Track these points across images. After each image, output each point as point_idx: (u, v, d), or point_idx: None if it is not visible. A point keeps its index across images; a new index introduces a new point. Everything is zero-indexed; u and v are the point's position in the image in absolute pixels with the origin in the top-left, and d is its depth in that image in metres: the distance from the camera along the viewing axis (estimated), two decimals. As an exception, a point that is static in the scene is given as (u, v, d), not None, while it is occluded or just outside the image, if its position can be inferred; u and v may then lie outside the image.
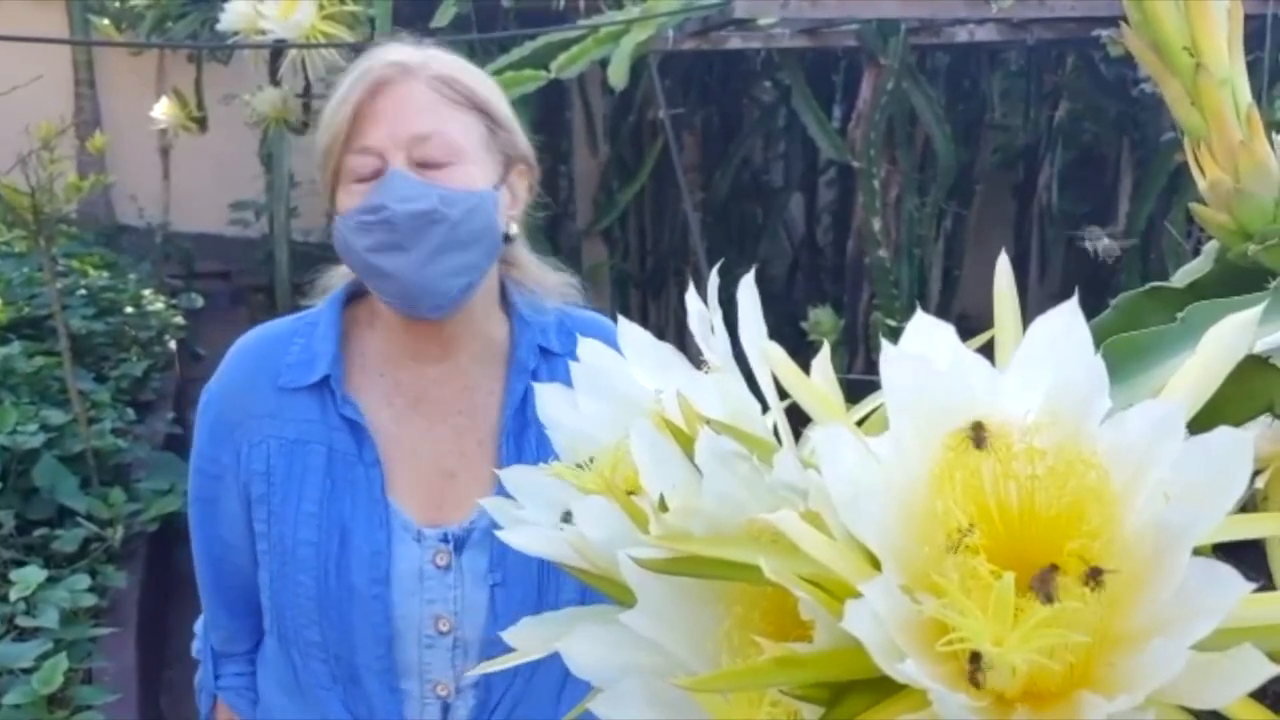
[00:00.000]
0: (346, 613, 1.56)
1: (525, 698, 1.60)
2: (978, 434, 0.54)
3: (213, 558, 1.71)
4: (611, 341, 0.74)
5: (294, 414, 1.61)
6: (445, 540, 1.58)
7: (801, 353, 0.69)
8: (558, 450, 0.73)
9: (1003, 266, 0.64)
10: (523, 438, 1.60)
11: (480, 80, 1.63)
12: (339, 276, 1.71)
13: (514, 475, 0.72)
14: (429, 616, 1.57)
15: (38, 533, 3.94)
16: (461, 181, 1.54)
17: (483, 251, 1.57)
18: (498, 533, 0.71)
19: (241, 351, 1.67)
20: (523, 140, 1.64)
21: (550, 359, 1.62)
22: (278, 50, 4.13)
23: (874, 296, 4.21)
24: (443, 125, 1.54)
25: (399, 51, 1.60)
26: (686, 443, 0.64)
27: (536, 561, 1.51)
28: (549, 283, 1.71)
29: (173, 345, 6.35)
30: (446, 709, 1.60)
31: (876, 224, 4.08)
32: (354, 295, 1.68)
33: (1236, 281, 0.77)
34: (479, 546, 1.58)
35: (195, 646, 1.82)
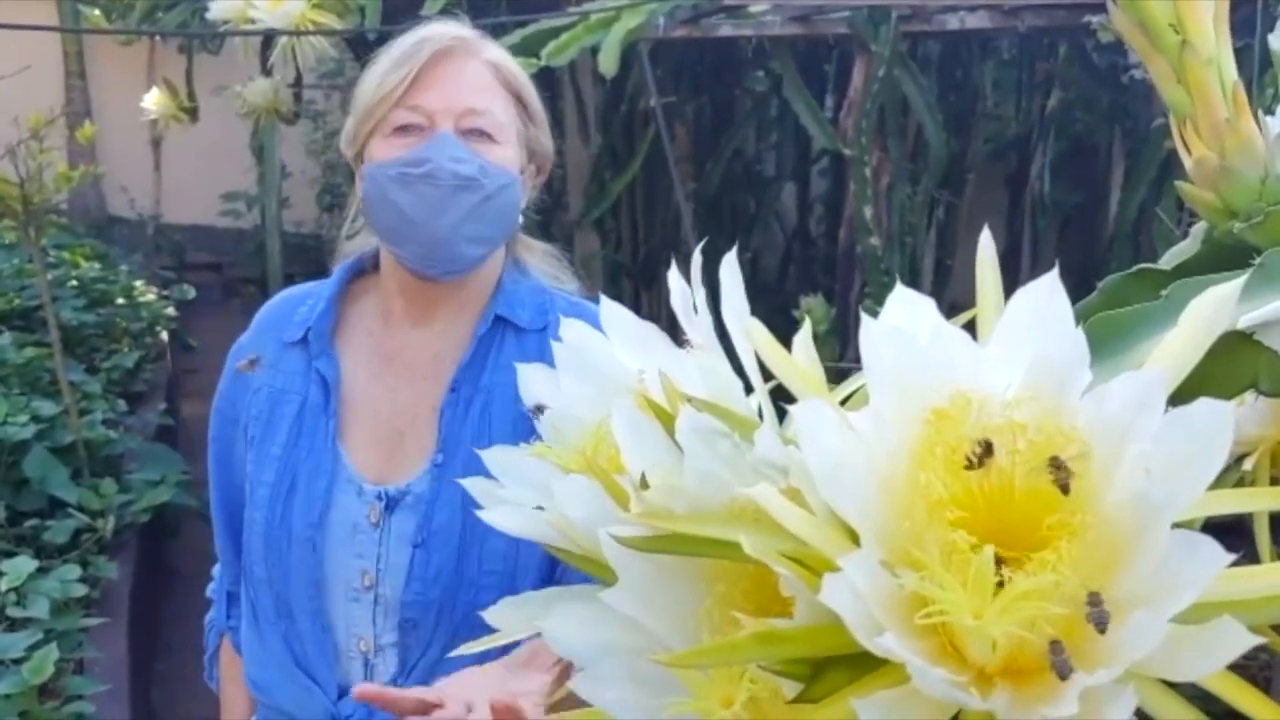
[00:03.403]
0: (285, 553, 1.64)
1: (442, 667, 1.59)
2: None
3: (224, 497, 1.80)
4: (595, 324, 0.74)
5: (285, 366, 1.71)
6: (380, 498, 1.63)
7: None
8: (539, 430, 0.73)
9: (985, 243, 0.64)
10: (471, 403, 1.63)
11: (523, 74, 1.70)
12: (357, 245, 1.78)
13: (495, 455, 0.72)
14: (355, 570, 1.63)
15: (28, 524, 3.95)
16: (499, 160, 1.61)
17: (503, 229, 1.65)
18: (479, 513, 0.71)
19: (267, 307, 1.80)
20: (548, 140, 1.71)
21: (521, 334, 1.66)
22: (268, 40, 4.12)
23: (865, 285, 4.20)
24: (492, 105, 1.62)
25: (457, 28, 1.67)
26: (668, 421, 0.64)
27: (459, 533, 1.58)
28: (548, 268, 1.77)
29: (164, 337, 6.35)
30: (368, 665, 1.65)
31: (868, 213, 4.08)
32: (365, 269, 1.75)
33: (1223, 261, 0.76)
34: (410, 510, 1.62)
35: (210, 588, 1.91)
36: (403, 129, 1.60)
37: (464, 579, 1.59)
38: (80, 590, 3.56)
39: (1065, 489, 0.52)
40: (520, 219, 1.70)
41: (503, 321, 1.67)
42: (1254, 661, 3.51)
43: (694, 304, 0.70)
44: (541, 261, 1.77)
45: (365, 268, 1.75)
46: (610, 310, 0.73)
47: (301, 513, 1.63)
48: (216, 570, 1.89)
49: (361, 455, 1.66)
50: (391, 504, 1.63)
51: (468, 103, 1.60)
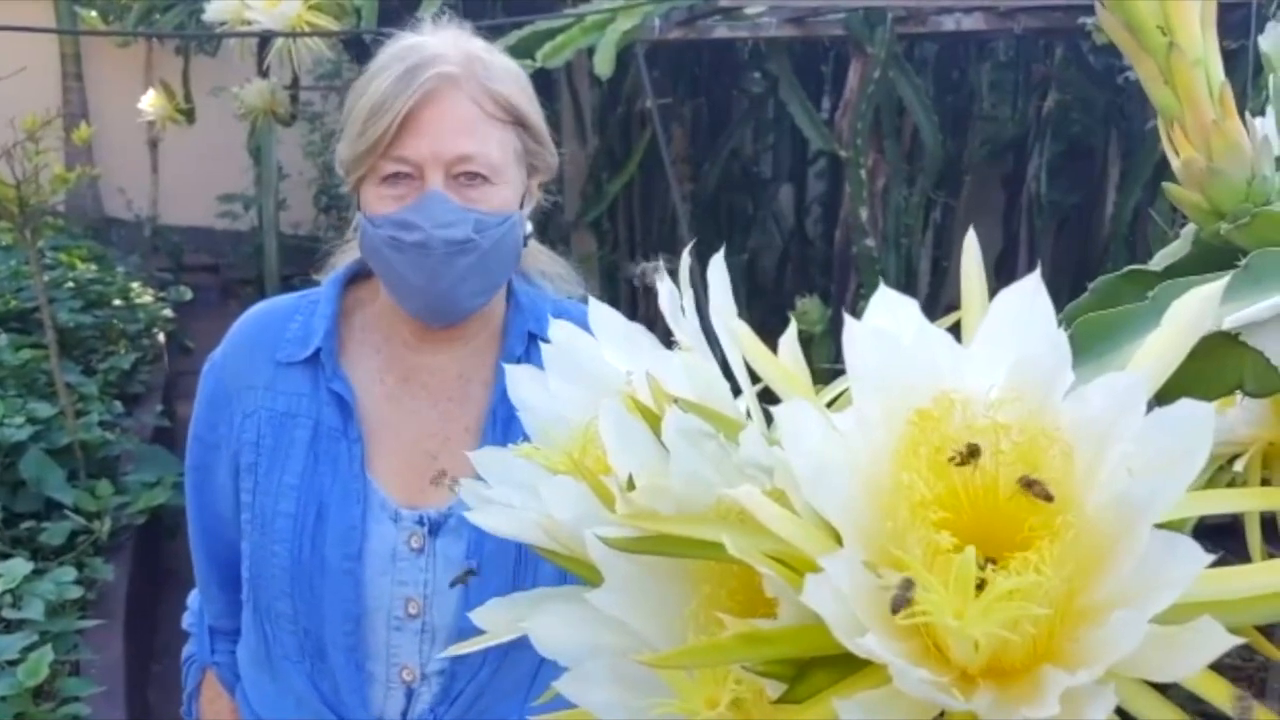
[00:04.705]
0: (317, 586, 1.56)
1: (489, 690, 1.59)
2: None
3: (205, 529, 1.73)
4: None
5: (286, 387, 1.62)
6: (421, 523, 1.58)
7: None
8: (528, 432, 0.73)
9: (970, 244, 0.64)
10: (510, 425, 1.58)
11: (520, 89, 1.59)
12: (348, 255, 1.72)
13: (484, 456, 0.72)
14: (399, 598, 1.57)
15: (24, 525, 3.95)
16: (496, 203, 1.54)
17: (505, 271, 1.60)
18: (466, 514, 0.71)
19: (245, 324, 1.69)
20: (551, 154, 1.64)
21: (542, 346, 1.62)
22: (265, 42, 4.12)
23: (861, 286, 4.20)
24: (484, 145, 1.53)
25: (445, 55, 1.54)
26: (655, 422, 0.64)
27: (514, 552, 1.53)
28: (552, 272, 1.73)
29: (161, 338, 6.36)
30: (410, 695, 1.60)
31: (864, 214, 4.08)
32: (357, 275, 1.69)
33: (1212, 262, 0.76)
34: (455, 532, 1.57)
35: (186, 620, 1.84)
36: (392, 177, 1.52)
37: None
38: (76, 592, 3.56)
39: (1049, 499, 0.52)
40: (529, 228, 1.63)
41: (531, 337, 1.63)
42: (1250, 663, 3.50)
43: (682, 305, 0.70)
44: (547, 268, 1.73)
45: (357, 276, 1.69)
46: (598, 311, 0.73)
47: (337, 544, 1.56)
48: (192, 600, 1.82)
49: (390, 479, 1.60)
50: (434, 528, 1.58)
51: (458, 149, 1.51)
